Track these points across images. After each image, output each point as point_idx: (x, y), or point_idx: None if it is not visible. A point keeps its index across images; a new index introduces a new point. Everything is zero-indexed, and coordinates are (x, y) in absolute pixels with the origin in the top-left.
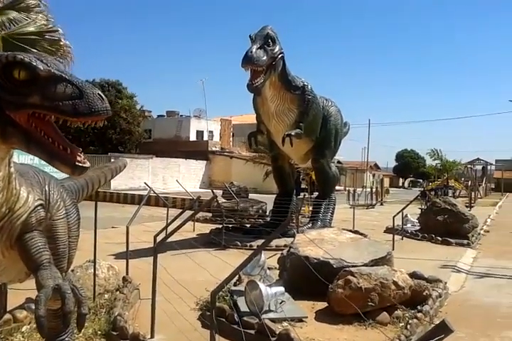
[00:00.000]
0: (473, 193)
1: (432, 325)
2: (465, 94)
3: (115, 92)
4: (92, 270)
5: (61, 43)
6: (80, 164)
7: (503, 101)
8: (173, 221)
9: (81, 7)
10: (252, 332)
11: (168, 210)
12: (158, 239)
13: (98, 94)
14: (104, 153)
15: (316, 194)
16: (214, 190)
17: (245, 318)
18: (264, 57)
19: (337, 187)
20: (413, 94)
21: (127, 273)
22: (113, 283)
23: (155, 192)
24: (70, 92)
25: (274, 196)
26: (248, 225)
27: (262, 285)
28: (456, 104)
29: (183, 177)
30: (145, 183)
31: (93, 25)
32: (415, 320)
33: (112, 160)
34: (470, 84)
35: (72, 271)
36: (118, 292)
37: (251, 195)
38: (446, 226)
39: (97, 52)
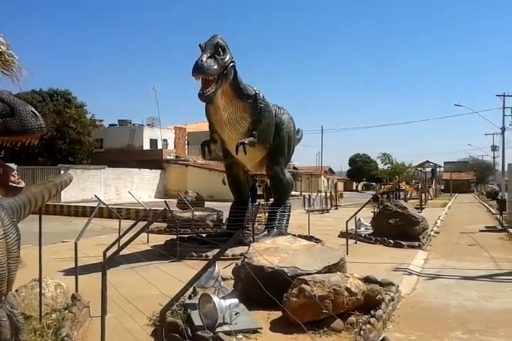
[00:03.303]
0: (423, 195)
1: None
2: (413, 99)
3: (64, 102)
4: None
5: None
6: (14, 184)
7: (449, 105)
8: (124, 234)
9: (29, 16)
10: None
11: (120, 222)
12: (110, 252)
13: (31, 111)
14: (54, 165)
15: (272, 200)
16: (169, 200)
17: (199, 333)
18: (215, 66)
19: (293, 193)
20: (364, 100)
21: (77, 291)
22: (61, 301)
23: (105, 205)
24: (0, 110)
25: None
26: (204, 235)
27: (215, 298)
28: (405, 109)
29: (137, 187)
30: (95, 196)
31: (41, 35)
32: (368, 326)
33: (62, 171)
34: (417, 90)
35: (17, 291)
36: (66, 311)
37: (207, 204)
38: (397, 229)
39: (45, 61)
